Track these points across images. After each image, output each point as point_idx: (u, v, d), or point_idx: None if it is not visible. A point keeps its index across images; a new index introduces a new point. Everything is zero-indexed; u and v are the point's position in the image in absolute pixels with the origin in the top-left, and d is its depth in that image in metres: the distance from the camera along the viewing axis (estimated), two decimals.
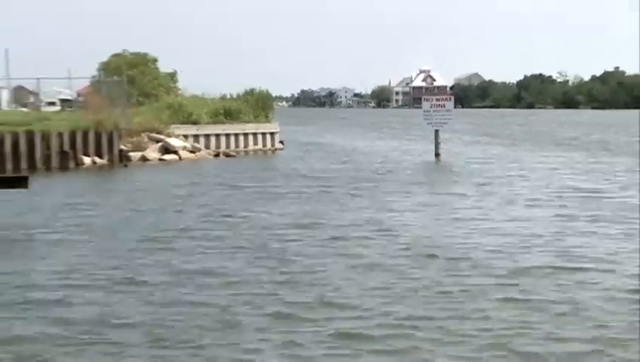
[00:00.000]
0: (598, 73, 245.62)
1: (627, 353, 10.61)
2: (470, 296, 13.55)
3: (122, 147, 41.14)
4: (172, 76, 69.86)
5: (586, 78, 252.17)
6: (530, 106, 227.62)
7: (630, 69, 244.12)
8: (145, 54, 70.36)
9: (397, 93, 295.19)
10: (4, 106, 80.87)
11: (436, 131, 45.50)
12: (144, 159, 42.10)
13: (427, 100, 48.98)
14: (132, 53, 70.28)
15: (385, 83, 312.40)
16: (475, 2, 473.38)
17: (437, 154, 44.82)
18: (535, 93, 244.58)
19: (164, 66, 70.55)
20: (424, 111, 47.22)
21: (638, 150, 48.22)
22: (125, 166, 39.90)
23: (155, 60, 70.02)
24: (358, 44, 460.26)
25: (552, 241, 18.56)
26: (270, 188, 29.84)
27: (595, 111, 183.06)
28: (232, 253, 17.33)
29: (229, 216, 22.78)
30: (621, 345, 10.95)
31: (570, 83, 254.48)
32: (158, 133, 44.81)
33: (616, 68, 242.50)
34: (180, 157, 43.82)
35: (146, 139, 43.72)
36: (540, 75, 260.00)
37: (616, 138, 67.14)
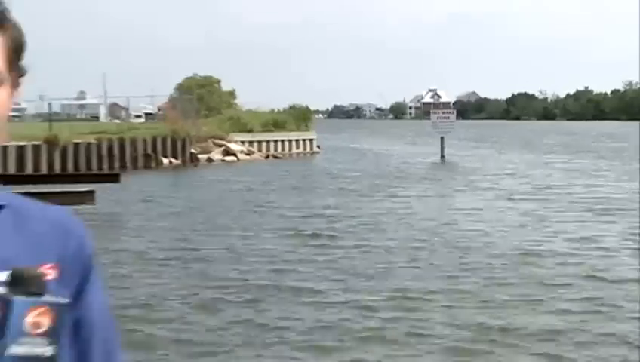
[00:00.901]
0: (572, 92, 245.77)
1: None
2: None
3: (193, 150, 41.39)
4: (231, 94, 69.94)
5: (562, 95, 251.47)
6: (517, 118, 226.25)
7: (597, 89, 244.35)
8: (210, 77, 70.67)
9: (410, 107, 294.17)
10: (102, 119, 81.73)
11: (442, 138, 45.43)
12: (209, 160, 42.24)
13: (434, 113, 49.15)
14: (201, 76, 70.68)
15: (400, 99, 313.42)
16: (471, 31, 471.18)
17: (442, 156, 44.78)
18: (521, 107, 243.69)
19: (225, 86, 70.70)
20: (432, 122, 47.31)
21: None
22: (195, 165, 40.21)
23: (219, 81, 70.23)
24: (380, 66, 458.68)
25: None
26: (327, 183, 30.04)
27: (568, 122, 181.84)
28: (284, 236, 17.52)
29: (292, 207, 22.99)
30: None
31: (549, 99, 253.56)
32: (220, 139, 45.05)
33: (586, 87, 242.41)
34: (238, 159, 43.90)
35: (211, 144, 43.91)
36: (525, 93, 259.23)
37: (583, 142, 66.82)
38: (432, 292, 11.75)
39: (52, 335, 1.13)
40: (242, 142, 46.56)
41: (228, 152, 44.19)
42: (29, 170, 32.95)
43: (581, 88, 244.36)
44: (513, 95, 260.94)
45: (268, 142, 48.81)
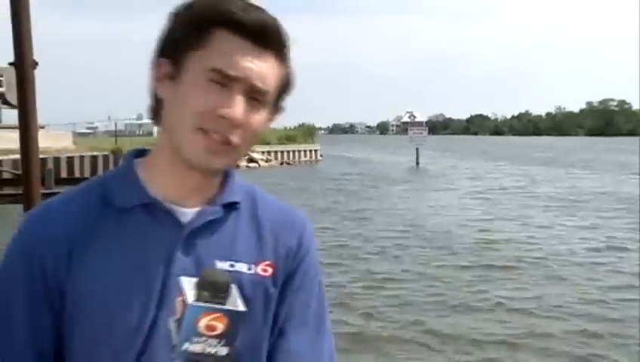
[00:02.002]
0: (516, 113, 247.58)
1: None
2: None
3: None
4: None
5: (509, 116, 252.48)
6: (475, 134, 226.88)
7: (535, 111, 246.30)
8: None
9: (392, 125, 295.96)
10: (155, 134, 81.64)
11: (417, 149, 45.33)
12: (237, 166, 42.21)
13: (411, 130, 49.04)
14: None
15: (385, 119, 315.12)
16: (441, 67, 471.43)
17: (417, 163, 44.68)
18: (477, 125, 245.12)
19: None
20: (409, 137, 47.18)
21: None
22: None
23: None
24: (369, 93, 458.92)
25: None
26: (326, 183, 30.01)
27: (513, 137, 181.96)
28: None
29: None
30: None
31: (498, 119, 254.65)
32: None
33: (527, 110, 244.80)
34: (259, 165, 43.85)
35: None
36: (481, 114, 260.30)
37: (525, 152, 66.95)
38: (405, 272, 11.33)
39: (227, 337, 1.07)
40: (262, 152, 46.63)
41: (251, 160, 44.16)
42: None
43: (523, 111, 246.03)
44: (472, 116, 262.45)
45: (282, 152, 49.02)
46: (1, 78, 29.77)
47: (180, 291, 1.09)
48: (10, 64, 3.95)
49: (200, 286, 1.08)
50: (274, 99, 1.19)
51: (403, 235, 15.25)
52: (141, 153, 1.27)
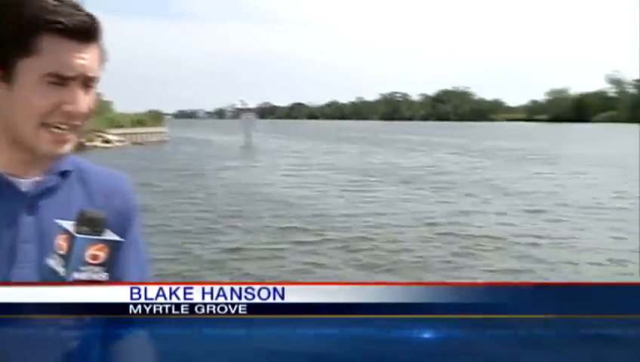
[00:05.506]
0: (327, 102, 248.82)
1: None
2: None
3: (81, 140, 38.89)
4: (109, 103, 66.01)
5: (322, 104, 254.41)
6: (295, 118, 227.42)
7: (341, 100, 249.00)
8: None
9: (228, 111, 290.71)
10: None
11: (248, 131, 45.33)
12: (94, 146, 40.12)
13: (244, 115, 49.40)
14: None
15: (222, 106, 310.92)
16: (263, 61, 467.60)
17: (249, 142, 44.59)
18: (297, 112, 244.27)
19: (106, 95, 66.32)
20: (242, 121, 47.28)
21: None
22: (83, 150, 37.89)
23: (99, 94, 65.77)
24: (207, 82, 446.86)
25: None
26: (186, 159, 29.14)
27: (325, 121, 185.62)
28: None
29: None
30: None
31: (314, 107, 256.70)
32: (101, 132, 42.92)
33: (335, 100, 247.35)
34: (113, 144, 41.99)
35: (94, 135, 41.87)
36: (300, 103, 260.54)
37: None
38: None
39: (108, 264, 1.06)
40: (116, 134, 44.72)
41: (106, 141, 42.19)
42: None
43: (332, 100, 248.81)
44: (293, 103, 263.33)
45: (133, 134, 47.16)
46: None
47: (62, 230, 1.06)
48: None
49: (79, 223, 1.06)
50: None
51: (239, 201, 15.23)
52: None
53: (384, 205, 14.71)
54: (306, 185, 18.69)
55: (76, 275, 1.04)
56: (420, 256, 9.33)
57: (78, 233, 1.04)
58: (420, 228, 11.62)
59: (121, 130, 45.87)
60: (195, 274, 8.05)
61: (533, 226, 11.87)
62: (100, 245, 1.05)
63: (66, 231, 1.05)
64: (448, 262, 9.06)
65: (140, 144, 45.45)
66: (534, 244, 10.24)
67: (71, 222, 1.06)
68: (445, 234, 10.95)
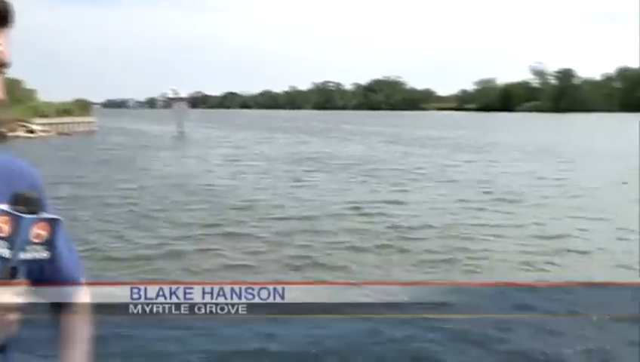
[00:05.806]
0: (260, 91, 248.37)
1: None
2: None
3: (2, 130, 37.13)
4: (32, 91, 63.04)
5: (255, 92, 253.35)
6: (228, 108, 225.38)
7: (275, 89, 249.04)
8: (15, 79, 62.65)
9: (159, 100, 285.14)
10: None
11: (180, 120, 44.62)
12: (16, 137, 38.31)
13: (175, 104, 48.30)
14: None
15: (153, 95, 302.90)
16: (193, 48, 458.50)
17: (181, 132, 43.98)
18: (230, 101, 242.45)
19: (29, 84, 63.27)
20: (173, 110, 46.33)
21: None
22: (4, 141, 36.12)
23: (19, 81, 62.66)
24: (136, 71, 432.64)
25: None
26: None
27: (259, 110, 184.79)
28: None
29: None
30: None
31: (247, 96, 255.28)
32: (24, 122, 40.95)
33: (268, 89, 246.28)
34: (37, 134, 40.20)
35: (16, 126, 39.85)
36: (233, 92, 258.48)
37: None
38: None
39: (50, 242, 1.07)
40: (40, 124, 42.74)
41: (30, 131, 40.30)
42: None
43: (265, 89, 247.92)
44: (225, 93, 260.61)
45: (61, 124, 45.34)
46: None
47: (1, 213, 1.05)
48: None
49: (16, 204, 1.05)
50: None
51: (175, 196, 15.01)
52: None
53: (316, 194, 14.77)
54: (239, 175, 18.54)
55: (22, 256, 1.04)
56: (352, 246, 9.36)
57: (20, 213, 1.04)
58: (351, 216, 11.70)
59: (45, 120, 43.96)
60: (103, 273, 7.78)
61: (464, 215, 12.01)
62: (43, 223, 1.05)
63: (7, 213, 1.04)
64: (380, 248, 9.14)
65: (67, 134, 43.73)
66: (462, 233, 10.25)
67: (5, 205, 1.05)
68: (374, 223, 11.00)
